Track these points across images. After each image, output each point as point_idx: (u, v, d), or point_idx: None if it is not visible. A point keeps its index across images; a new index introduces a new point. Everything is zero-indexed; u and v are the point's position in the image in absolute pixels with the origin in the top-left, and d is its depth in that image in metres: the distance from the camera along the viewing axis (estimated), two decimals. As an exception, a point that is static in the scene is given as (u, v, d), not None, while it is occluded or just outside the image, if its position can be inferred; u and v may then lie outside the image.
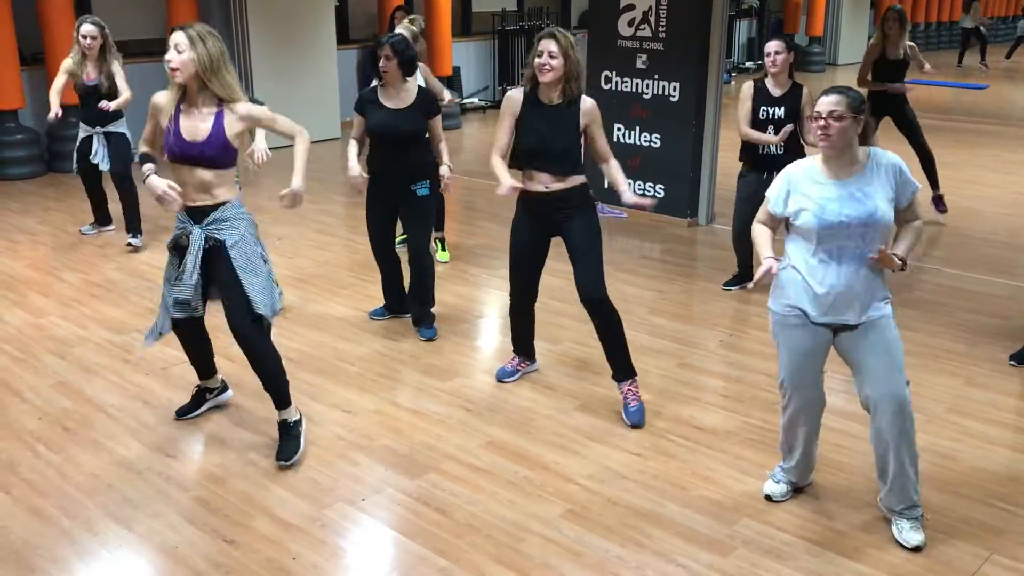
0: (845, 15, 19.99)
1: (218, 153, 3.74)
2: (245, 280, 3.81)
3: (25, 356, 5.03)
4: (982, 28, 19.55)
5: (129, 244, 6.87)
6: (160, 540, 3.44)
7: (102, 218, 7.33)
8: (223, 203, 3.82)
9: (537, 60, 4.13)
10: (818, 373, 3.51)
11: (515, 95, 4.30)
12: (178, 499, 3.69)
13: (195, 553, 3.35)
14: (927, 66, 7.92)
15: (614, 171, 4.34)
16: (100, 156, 6.82)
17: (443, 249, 6.78)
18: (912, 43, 7.75)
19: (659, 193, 7.83)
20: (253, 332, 3.89)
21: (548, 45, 4.11)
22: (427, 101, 5.15)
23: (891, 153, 3.34)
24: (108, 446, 4.09)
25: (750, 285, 3.28)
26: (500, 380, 4.77)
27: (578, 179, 4.30)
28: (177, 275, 3.90)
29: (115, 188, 6.98)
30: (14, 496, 3.69)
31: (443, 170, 5.22)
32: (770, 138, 5.64)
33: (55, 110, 6.66)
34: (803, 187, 3.34)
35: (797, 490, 3.75)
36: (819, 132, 3.22)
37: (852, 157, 3.27)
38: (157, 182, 3.72)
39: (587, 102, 4.23)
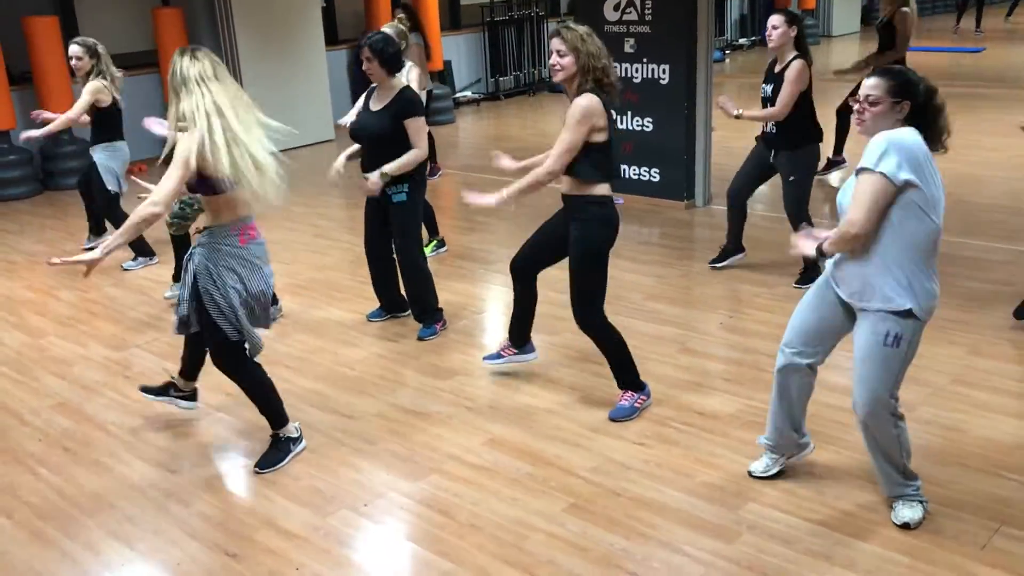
0: (838, -14, 19.82)
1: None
2: (212, 314, 3.75)
3: (24, 378, 5.02)
4: None
5: (123, 266, 6.82)
6: (163, 557, 3.42)
7: (96, 229, 7.21)
8: (209, 227, 3.78)
9: (549, 60, 4.05)
10: (806, 326, 3.42)
11: None
12: (179, 514, 3.68)
13: (198, 569, 3.34)
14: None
15: (531, 173, 4.05)
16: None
17: (428, 244, 6.55)
18: (906, 11, 7.59)
19: (654, 177, 7.79)
20: (229, 367, 3.90)
21: (553, 44, 3.98)
22: (402, 102, 4.95)
23: (889, 133, 3.07)
24: (108, 464, 4.08)
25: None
26: (484, 360, 4.78)
27: (585, 188, 4.03)
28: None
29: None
30: (15, 520, 3.68)
31: (373, 173, 4.93)
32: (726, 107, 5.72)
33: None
34: None
35: (805, 472, 3.72)
36: (855, 117, 3.16)
37: None
38: None
39: (576, 100, 3.94)
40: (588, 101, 3.92)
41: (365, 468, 3.96)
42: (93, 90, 6.40)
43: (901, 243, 3.09)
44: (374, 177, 4.93)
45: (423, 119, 5.02)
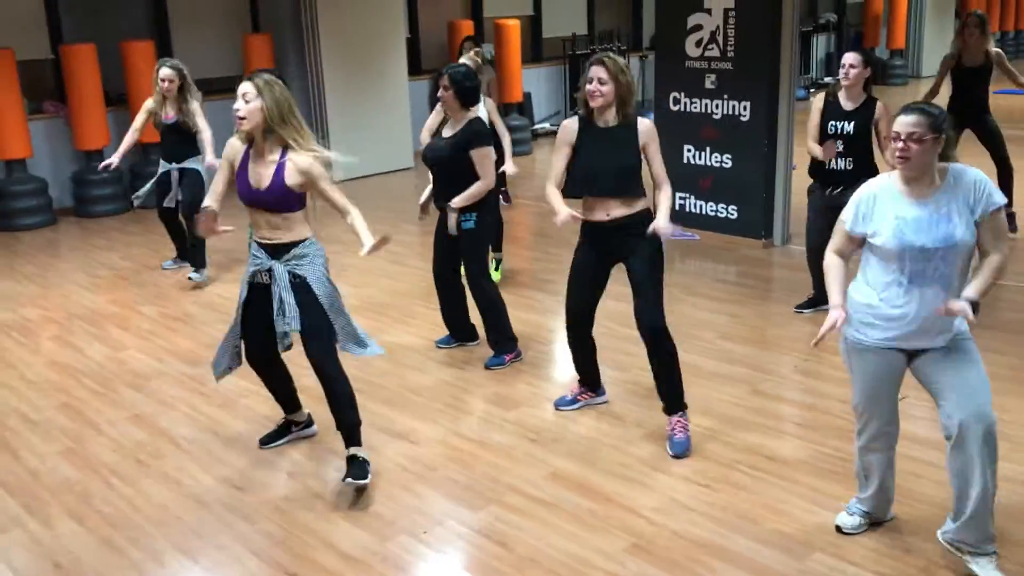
0: (928, 26, 19.39)
1: (280, 200, 3.82)
2: (331, 316, 3.91)
3: (104, 389, 5.17)
4: None
5: (190, 279, 6.98)
6: (224, 572, 3.48)
7: (183, 252, 7.48)
8: (301, 240, 3.91)
9: (588, 86, 4.13)
10: (893, 399, 3.37)
11: (570, 123, 4.28)
12: (243, 531, 3.73)
13: (258, 586, 3.38)
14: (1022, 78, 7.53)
15: (662, 198, 4.22)
16: (173, 192, 7.01)
17: (496, 269, 6.72)
18: (999, 50, 7.45)
19: (732, 214, 7.70)
20: (330, 365, 3.96)
21: (597, 71, 4.12)
22: (470, 132, 5.02)
23: (973, 169, 3.19)
24: (178, 478, 4.17)
25: (813, 343, 3.22)
26: (558, 407, 4.73)
27: (640, 205, 4.24)
28: (274, 311, 3.92)
29: (184, 220, 7.14)
30: (88, 527, 3.78)
31: (450, 215, 5.08)
32: (814, 148, 5.56)
33: (112, 160, 7.18)
34: (882, 206, 3.21)
35: (873, 523, 3.60)
36: (898, 154, 3.12)
37: (932, 177, 3.16)
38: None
39: (644, 123, 4.21)
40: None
41: (426, 495, 3.97)
42: (146, 108, 6.88)
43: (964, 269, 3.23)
44: (451, 218, 5.09)
45: (490, 148, 5.07)
